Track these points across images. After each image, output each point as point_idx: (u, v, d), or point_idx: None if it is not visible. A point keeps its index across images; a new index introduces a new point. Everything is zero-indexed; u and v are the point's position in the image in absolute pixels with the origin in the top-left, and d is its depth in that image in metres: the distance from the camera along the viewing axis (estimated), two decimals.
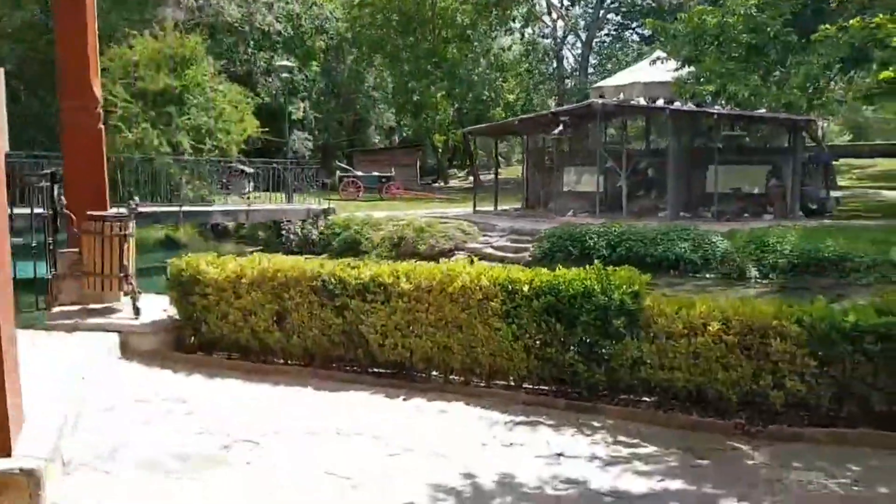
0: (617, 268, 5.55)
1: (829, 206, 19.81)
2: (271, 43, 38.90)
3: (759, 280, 15.26)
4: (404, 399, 5.45)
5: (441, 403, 5.36)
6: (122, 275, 6.69)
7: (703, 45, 20.78)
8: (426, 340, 5.69)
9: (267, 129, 26.76)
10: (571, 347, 5.37)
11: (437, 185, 44.61)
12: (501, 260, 17.52)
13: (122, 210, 7.07)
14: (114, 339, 6.37)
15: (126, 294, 7.17)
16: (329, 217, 20.33)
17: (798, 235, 15.90)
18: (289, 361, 6.34)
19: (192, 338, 6.54)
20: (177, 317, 6.58)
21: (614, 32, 44.97)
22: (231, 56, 39.45)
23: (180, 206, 18.14)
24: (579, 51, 44.54)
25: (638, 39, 42.76)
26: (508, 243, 18.30)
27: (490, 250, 18.18)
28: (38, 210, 7.18)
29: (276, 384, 5.80)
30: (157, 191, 18.85)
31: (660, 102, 19.20)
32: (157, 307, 6.98)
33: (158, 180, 19.92)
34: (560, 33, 43.75)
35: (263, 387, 5.75)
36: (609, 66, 41.80)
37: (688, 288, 14.98)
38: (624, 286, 5.24)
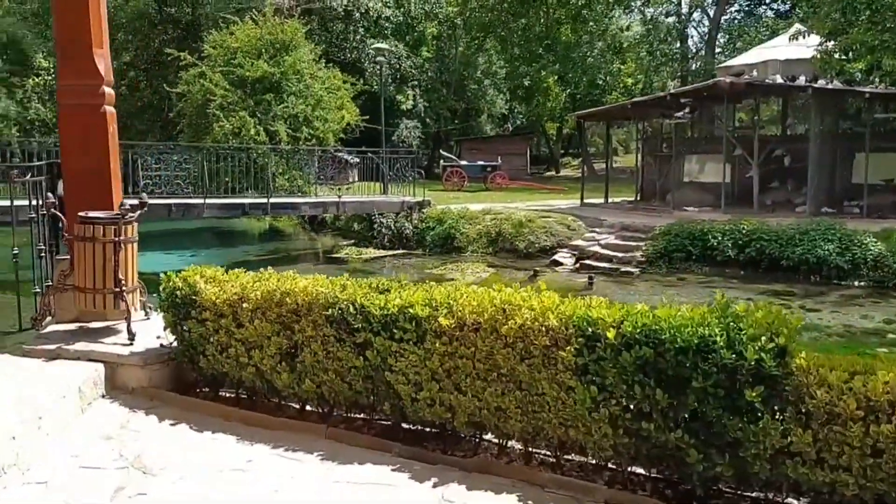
0: (750, 301, 3.78)
1: None
2: (381, 29, 38.03)
3: None
4: (435, 484, 3.88)
5: (485, 496, 3.76)
6: (116, 290, 5.46)
7: (851, 15, 17.86)
8: (472, 398, 4.10)
9: (367, 118, 25.76)
10: (679, 423, 3.64)
11: (548, 174, 42.65)
12: (609, 260, 15.66)
13: (132, 202, 5.77)
14: (98, 371, 5.14)
15: (141, 310, 6.03)
16: (424, 210, 18.98)
17: None
18: (306, 408, 4.92)
19: (193, 372, 5.22)
20: (173, 345, 5.27)
21: (746, 8, 41.39)
22: (341, 43, 39.02)
23: (268, 198, 17.25)
24: (706, 29, 41.25)
25: (772, 15, 39.09)
26: (618, 241, 16.35)
27: (596, 248, 16.32)
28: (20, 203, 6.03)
29: (277, 446, 4.37)
30: (250, 181, 18.05)
31: (801, 81, 16.60)
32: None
33: (253, 170, 19.13)
34: (685, 10, 40.64)
35: (259, 449, 4.34)
36: (739, 44, 38.41)
37: (833, 298, 12.66)
38: (762, 338, 3.46)
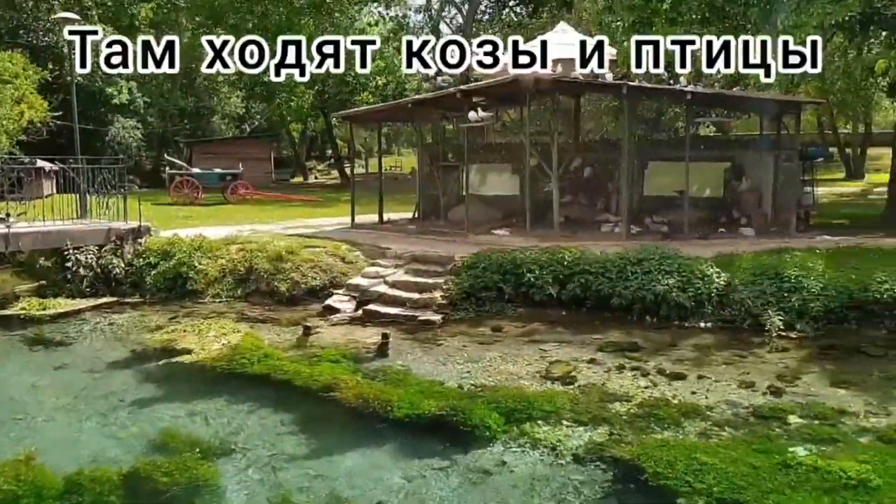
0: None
1: (811, 216, 15.64)
2: (83, 9, 30.92)
3: (782, 332, 10.49)
4: None
5: None
6: None
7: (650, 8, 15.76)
8: None
9: (59, 114, 19.68)
10: None
11: (294, 180, 38.25)
12: (401, 304, 11.99)
13: None
14: None
15: None
16: (142, 240, 13.88)
17: (824, 264, 11.38)
18: None
19: None
20: None
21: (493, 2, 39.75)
22: (30, 23, 31.72)
23: None
24: (460, 22, 39.18)
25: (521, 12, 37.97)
26: (409, 277, 12.69)
27: (382, 288, 12.51)
28: None
29: None
30: None
31: (607, 77, 14.04)
32: None
33: None
34: (436, 5, 38.34)
35: None
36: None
37: (687, 352, 10.01)
38: None
